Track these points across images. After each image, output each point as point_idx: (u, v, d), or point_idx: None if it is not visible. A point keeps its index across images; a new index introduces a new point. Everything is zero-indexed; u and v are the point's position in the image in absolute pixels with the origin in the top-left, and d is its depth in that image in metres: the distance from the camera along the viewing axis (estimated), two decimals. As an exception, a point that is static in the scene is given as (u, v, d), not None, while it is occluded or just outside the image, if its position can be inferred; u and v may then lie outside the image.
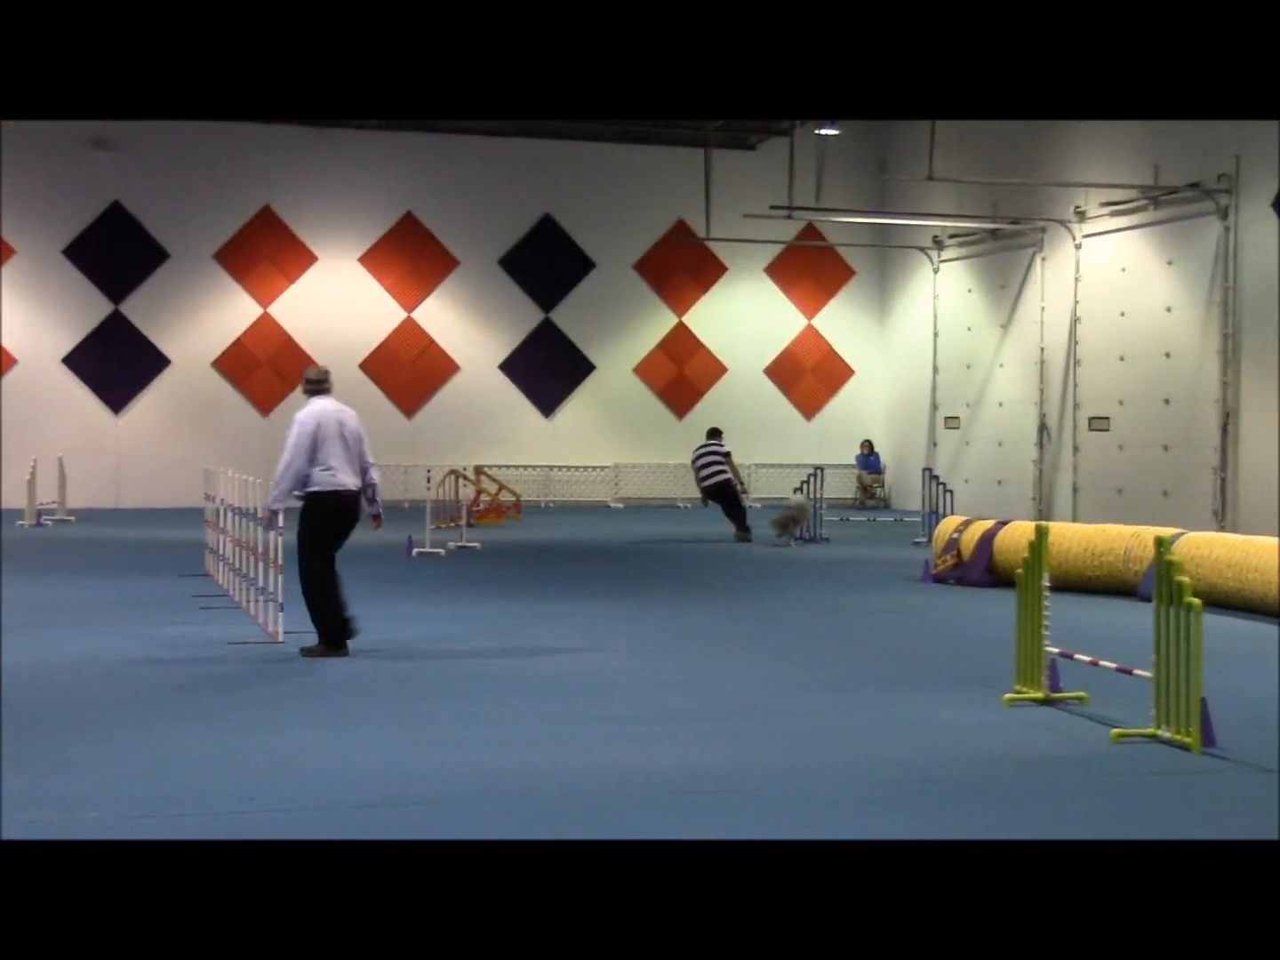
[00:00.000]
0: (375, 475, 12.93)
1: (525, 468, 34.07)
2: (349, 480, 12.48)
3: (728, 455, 25.78)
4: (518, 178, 34.38)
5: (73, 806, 7.39)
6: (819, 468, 25.89)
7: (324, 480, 12.33)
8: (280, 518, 12.60)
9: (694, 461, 25.99)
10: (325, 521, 12.40)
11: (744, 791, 7.87)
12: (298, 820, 7.17)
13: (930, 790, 7.91)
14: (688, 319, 35.67)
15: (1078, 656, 10.41)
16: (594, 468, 34.99)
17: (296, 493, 12.42)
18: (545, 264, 34.64)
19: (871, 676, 11.60)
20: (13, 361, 32.05)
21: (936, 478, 25.00)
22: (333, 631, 12.34)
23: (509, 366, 34.64)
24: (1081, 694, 10.24)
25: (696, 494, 30.85)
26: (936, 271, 33.29)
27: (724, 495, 25.54)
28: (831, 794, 7.82)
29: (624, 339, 35.35)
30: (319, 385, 12.81)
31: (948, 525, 19.01)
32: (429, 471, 23.21)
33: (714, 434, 26.25)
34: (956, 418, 32.59)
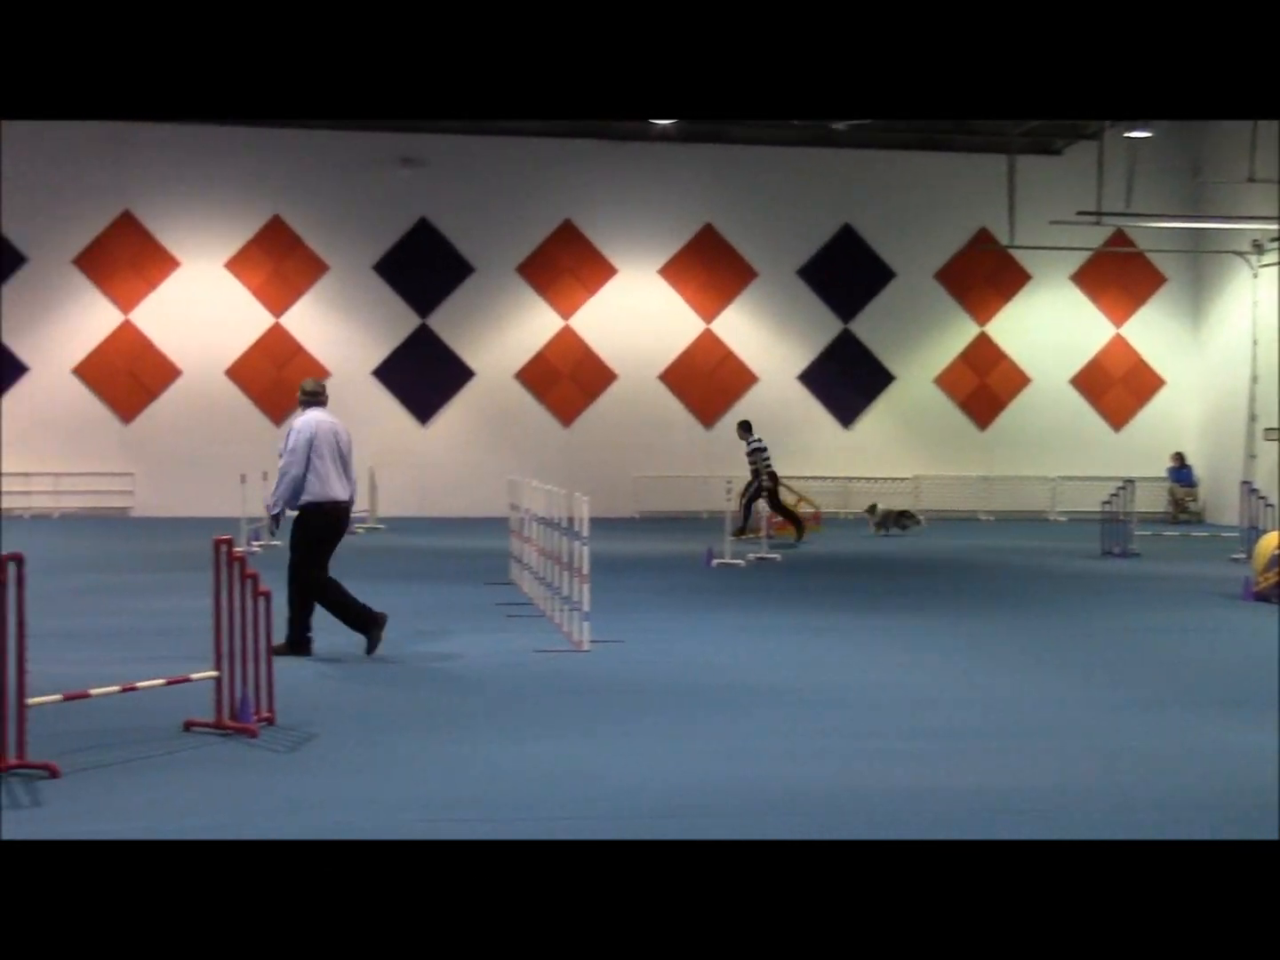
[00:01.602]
0: (354, 489, 13.02)
1: (824, 479, 33.82)
2: (340, 491, 12.68)
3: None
4: (816, 188, 34.23)
5: (383, 809, 7.47)
6: (1128, 480, 25.09)
7: (317, 491, 12.54)
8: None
9: (761, 452, 26.30)
10: (320, 530, 12.60)
11: (1042, 813, 7.54)
12: (592, 827, 7.11)
13: (1256, 821, 7.48)
14: (990, 328, 35.05)
15: None
16: (894, 479, 34.57)
17: (292, 502, 12.63)
18: (845, 274, 34.40)
19: (1191, 698, 11.09)
20: (326, 374, 33.08)
21: (1256, 491, 23.98)
22: (299, 637, 12.59)
23: (808, 377, 34.49)
24: None
25: (999, 506, 30.65)
26: (1256, 276, 32.04)
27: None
28: (1140, 819, 7.44)
29: (924, 349, 34.89)
30: (315, 397, 13.08)
31: (1269, 541, 18.17)
32: (729, 482, 23.15)
33: (749, 427, 26.97)
34: (1277, 429, 31.28)
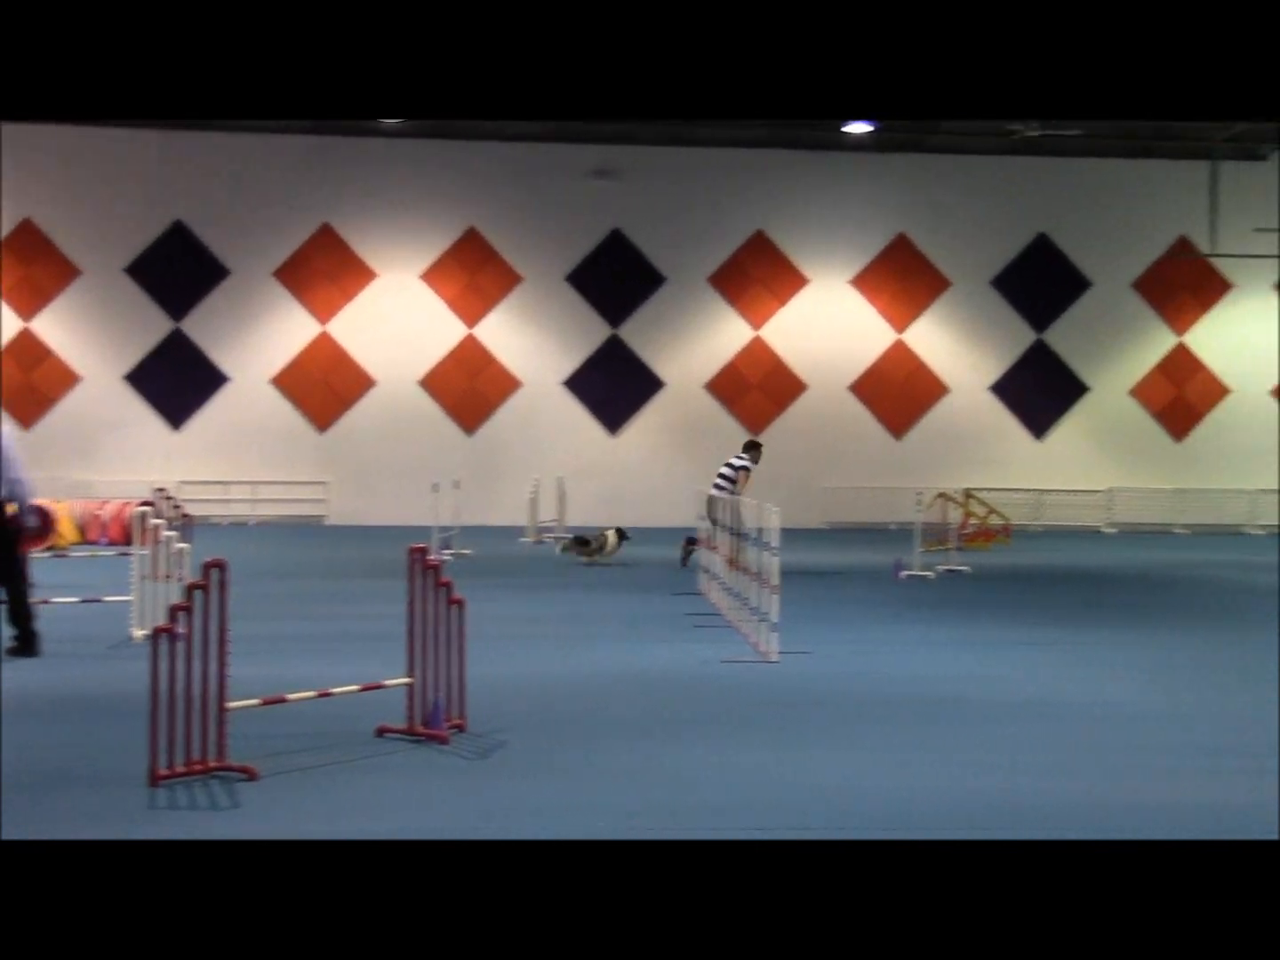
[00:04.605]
0: (24, 491, 12.83)
1: (1015, 490, 33.38)
2: None
3: (741, 470, 21.58)
4: (1011, 196, 33.88)
5: (574, 816, 7.52)
6: (1333, 494, 24.40)
7: None
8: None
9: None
10: None
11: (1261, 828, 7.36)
12: (782, 833, 7.08)
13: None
14: (1188, 338, 34.37)
15: None
16: (1087, 491, 34.02)
17: None
18: (1039, 284, 33.98)
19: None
20: (517, 384, 33.45)
21: None
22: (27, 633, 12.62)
23: (1000, 388, 34.09)
24: None
25: (1195, 519, 30.09)
26: None
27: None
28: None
29: (1120, 360, 34.34)
30: None
31: None
32: (919, 494, 22.95)
33: (748, 446, 22.48)
34: None
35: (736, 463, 21.61)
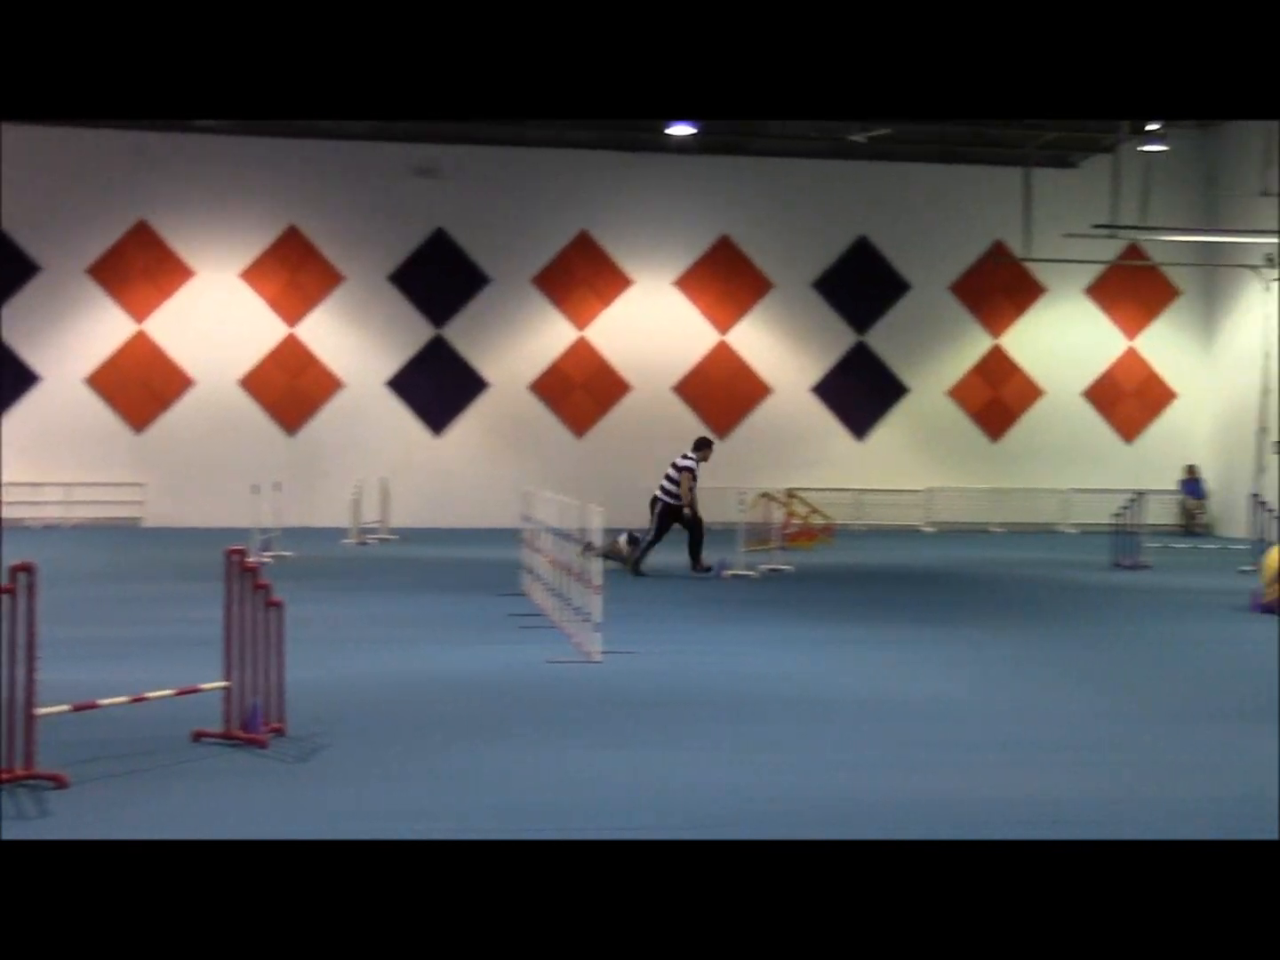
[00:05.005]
0: None
1: (837, 490, 33.77)
2: None
3: (684, 471, 21.63)
4: (832, 200, 34.24)
5: (393, 820, 7.47)
6: (1139, 493, 25.02)
7: None
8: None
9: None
10: None
11: (1095, 823, 7.52)
12: (601, 833, 7.10)
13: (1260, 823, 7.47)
14: (1004, 341, 35.04)
15: None
16: (906, 491, 34.54)
17: None
18: (860, 286, 34.40)
19: (1205, 709, 11.09)
20: (340, 385, 33.11)
21: (1264, 504, 23.94)
22: None
23: (822, 389, 34.48)
24: None
25: (1010, 518, 30.67)
26: (1267, 290, 31.97)
27: (661, 516, 21.64)
28: (1172, 830, 7.42)
29: (938, 361, 34.89)
30: None
31: (1276, 553, 18.13)
32: (742, 494, 23.12)
33: (697, 444, 22.47)
34: (1286, 443, 31.23)
35: (680, 463, 21.83)
